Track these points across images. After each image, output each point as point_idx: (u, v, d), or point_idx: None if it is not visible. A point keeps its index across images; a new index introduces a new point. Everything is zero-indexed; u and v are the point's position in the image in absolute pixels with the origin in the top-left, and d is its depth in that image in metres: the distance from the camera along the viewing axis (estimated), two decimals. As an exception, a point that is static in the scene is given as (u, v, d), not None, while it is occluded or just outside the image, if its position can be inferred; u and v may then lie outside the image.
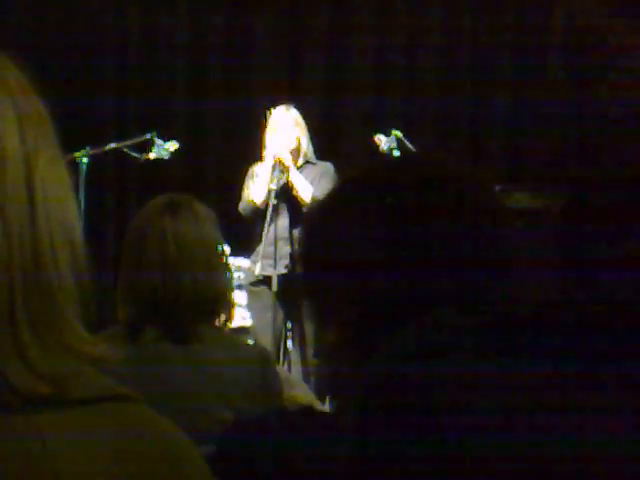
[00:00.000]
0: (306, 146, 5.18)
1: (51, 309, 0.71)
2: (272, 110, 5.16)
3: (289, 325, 5.08)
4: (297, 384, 2.63)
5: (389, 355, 0.83)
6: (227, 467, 0.83)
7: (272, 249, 4.90)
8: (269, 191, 4.93)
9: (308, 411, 1.06)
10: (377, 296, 1.01)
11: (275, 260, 4.89)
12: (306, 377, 5.03)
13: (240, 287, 5.11)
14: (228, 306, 2.27)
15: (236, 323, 4.65)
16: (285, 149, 5.01)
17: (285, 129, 5.08)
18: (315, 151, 5.24)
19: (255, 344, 4.06)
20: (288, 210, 5.01)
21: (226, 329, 2.33)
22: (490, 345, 0.83)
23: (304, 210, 4.92)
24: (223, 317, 2.27)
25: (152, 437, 0.73)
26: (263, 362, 2.29)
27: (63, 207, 0.74)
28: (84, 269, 0.75)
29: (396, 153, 5.19)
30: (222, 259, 2.30)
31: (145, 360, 2.15)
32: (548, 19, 6.45)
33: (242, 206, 5.09)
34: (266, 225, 4.90)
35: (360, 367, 0.91)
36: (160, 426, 0.74)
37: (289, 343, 5.13)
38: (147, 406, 0.75)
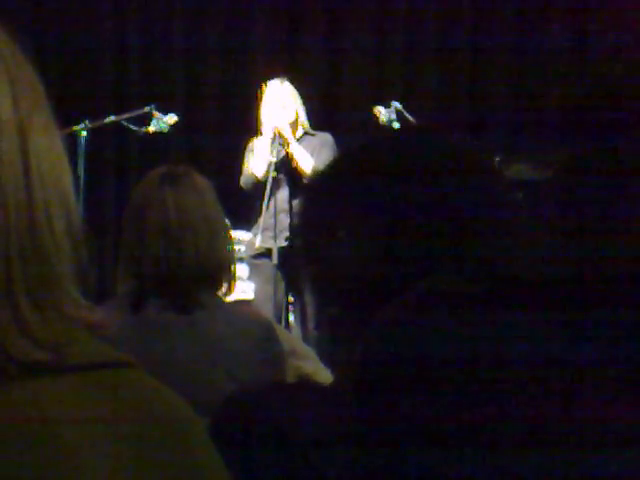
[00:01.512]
0: (304, 118, 5.17)
1: (48, 276, 0.71)
2: (267, 84, 5.16)
3: (290, 298, 5.09)
4: (305, 355, 2.63)
5: (386, 321, 0.84)
6: (222, 438, 0.84)
7: (272, 221, 4.90)
8: (269, 163, 4.93)
9: (306, 383, 1.06)
10: (376, 267, 1.01)
11: (275, 232, 4.89)
12: (307, 349, 5.04)
13: (241, 260, 5.12)
14: (230, 276, 2.27)
15: (237, 296, 4.66)
16: (284, 121, 5.00)
17: (282, 102, 5.07)
18: (311, 123, 5.23)
19: (259, 315, 4.06)
20: (288, 182, 5.01)
21: (226, 300, 2.33)
22: (487, 311, 0.83)
23: (304, 181, 4.92)
24: (224, 288, 2.28)
25: (151, 403, 0.73)
26: (266, 333, 2.29)
27: (57, 174, 0.73)
28: (80, 237, 0.75)
29: (396, 125, 5.18)
30: (224, 229, 2.31)
31: (148, 330, 2.15)
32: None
33: (243, 180, 5.09)
34: (266, 197, 4.90)
35: (359, 337, 0.91)
36: (159, 392, 0.75)
37: (291, 316, 5.14)
38: (147, 373, 0.75)
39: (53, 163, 0.73)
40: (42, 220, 0.71)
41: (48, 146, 0.74)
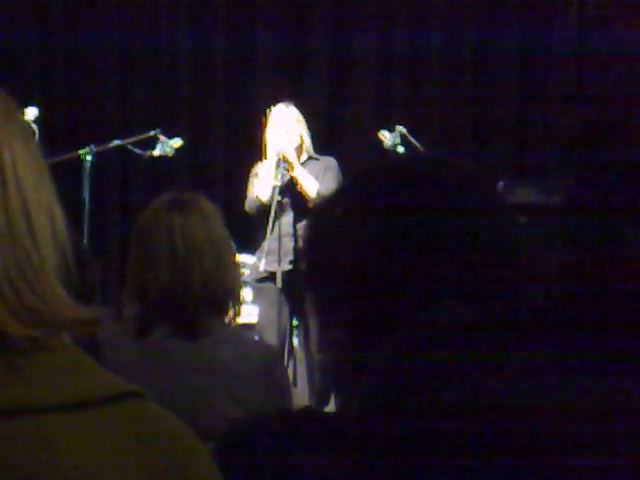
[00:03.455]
0: (308, 142, 5.18)
1: (30, 275, 0.72)
2: (272, 108, 5.17)
3: (295, 322, 5.09)
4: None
5: (392, 350, 0.84)
6: (227, 466, 0.84)
7: (277, 245, 4.90)
8: (273, 187, 4.94)
9: (310, 411, 1.06)
10: (379, 292, 1.01)
11: (280, 256, 4.89)
12: (311, 373, 5.03)
13: (245, 283, 5.11)
14: (236, 302, 2.27)
15: (241, 319, 4.65)
16: (288, 145, 5.01)
17: (287, 126, 5.08)
18: (315, 147, 5.24)
19: (264, 342, 4.06)
20: (292, 206, 5.02)
21: (233, 325, 2.33)
22: (492, 339, 0.83)
23: (309, 205, 4.92)
24: (231, 313, 2.27)
25: (158, 435, 0.73)
26: (272, 360, 2.29)
27: (36, 182, 0.75)
28: (65, 242, 0.76)
29: (400, 149, 5.19)
30: (230, 255, 2.30)
31: (154, 357, 2.15)
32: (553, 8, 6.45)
33: (248, 204, 5.09)
34: (270, 221, 4.90)
35: (363, 363, 0.91)
36: (167, 423, 0.74)
37: (295, 340, 5.14)
38: (153, 403, 0.75)
39: (31, 170, 0.74)
40: (20, 224, 0.72)
41: (24, 153, 0.75)
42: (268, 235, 4.94)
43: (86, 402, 0.71)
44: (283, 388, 2.27)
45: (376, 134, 5.31)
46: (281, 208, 4.97)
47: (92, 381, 0.73)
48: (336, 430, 0.90)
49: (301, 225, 4.94)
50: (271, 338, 4.83)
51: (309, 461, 0.93)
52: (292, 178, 5.00)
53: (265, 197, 4.97)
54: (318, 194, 4.87)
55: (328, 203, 1.15)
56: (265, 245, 4.96)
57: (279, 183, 4.92)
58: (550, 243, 0.95)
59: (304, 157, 5.13)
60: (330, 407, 4.39)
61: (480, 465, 0.77)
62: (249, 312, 5.16)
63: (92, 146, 4.92)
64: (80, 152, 4.87)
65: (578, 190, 0.88)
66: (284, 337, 5.01)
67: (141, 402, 0.74)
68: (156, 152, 5.15)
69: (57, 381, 0.71)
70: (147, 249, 2.20)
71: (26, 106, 4.78)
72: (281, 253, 4.90)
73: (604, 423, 0.79)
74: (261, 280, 5.07)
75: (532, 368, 0.81)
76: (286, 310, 5.01)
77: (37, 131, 4.72)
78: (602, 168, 0.86)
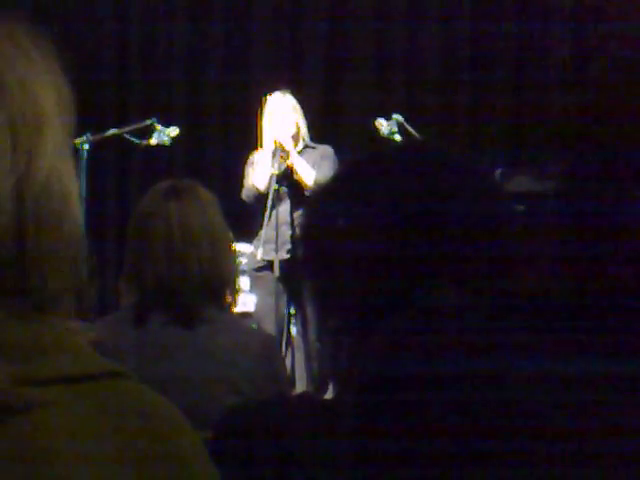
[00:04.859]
0: (304, 131, 5.18)
1: (30, 283, 0.72)
2: (268, 96, 5.17)
3: (292, 310, 5.09)
4: None
5: (389, 336, 0.84)
6: (223, 451, 0.84)
7: (274, 234, 4.90)
8: (270, 176, 4.93)
9: (307, 397, 1.06)
10: (377, 281, 1.01)
11: (277, 245, 4.89)
12: (309, 361, 5.04)
13: (243, 272, 5.11)
14: (234, 290, 2.27)
15: (238, 308, 4.66)
16: (285, 134, 5.01)
17: (283, 114, 5.08)
18: (312, 135, 5.23)
19: (261, 330, 4.06)
20: (289, 194, 5.01)
21: (229, 314, 2.33)
22: (489, 326, 0.83)
23: (307, 194, 4.92)
24: (227, 301, 2.28)
25: (140, 413, 0.72)
26: (269, 348, 2.29)
27: (54, 180, 0.75)
28: (80, 249, 0.76)
29: (397, 137, 5.19)
30: (227, 243, 2.31)
31: (151, 345, 2.15)
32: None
33: (245, 193, 5.09)
34: (268, 210, 4.90)
35: (360, 350, 0.91)
36: (150, 403, 0.74)
37: (292, 328, 5.14)
38: (139, 383, 0.74)
39: (51, 168, 0.74)
40: (30, 230, 0.71)
41: (49, 151, 0.74)
42: (265, 224, 4.94)
43: (69, 377, 0.70)
44: (281, 376, 2.27)
45: (373, 122, 5.30)
46: (278, 197, 4.97)
47: (76, 358, 0.73)
48: (334, 416, 0.91)
49: (298, 214, 4.94)
50: (269, 327, 4.83)
51: (306, 447, 0.93)
52: (289, 167, 5.00)
53: (262, 186, 4.97)
54: (315, 183, 4.87)
55: (324, 191, 1.15)
56: (262, 234, 4.97)
57: (276, 172, 4.92)
58: (546, 229, 0.95)
59: (300, 146, 5.13)
60: (328, 395, 4.40)
61: (474, 444, 0.77)
62: (246, 301, 5.16)
63: (88, 135, 4.91)
64: (76, 141, 4.86)
65: (572, 175, 0.88)
66: (282, 325, 5.02)
67: (125, 381, 0.73)
68: (153, 141, 5.15)
69: (42, 356, 0.71)
70: (144, 237, 2.21)
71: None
72: (278, 242, 4.90)
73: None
74: (259, 269, 5.07)
75: (524, 348, 0.82)
76: (284, 299, 5.01)
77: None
78: (596, 153, 0.86)
